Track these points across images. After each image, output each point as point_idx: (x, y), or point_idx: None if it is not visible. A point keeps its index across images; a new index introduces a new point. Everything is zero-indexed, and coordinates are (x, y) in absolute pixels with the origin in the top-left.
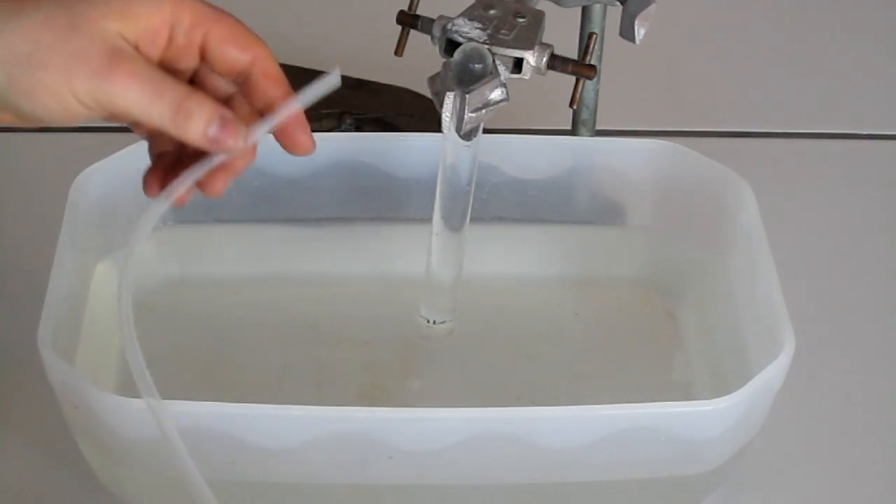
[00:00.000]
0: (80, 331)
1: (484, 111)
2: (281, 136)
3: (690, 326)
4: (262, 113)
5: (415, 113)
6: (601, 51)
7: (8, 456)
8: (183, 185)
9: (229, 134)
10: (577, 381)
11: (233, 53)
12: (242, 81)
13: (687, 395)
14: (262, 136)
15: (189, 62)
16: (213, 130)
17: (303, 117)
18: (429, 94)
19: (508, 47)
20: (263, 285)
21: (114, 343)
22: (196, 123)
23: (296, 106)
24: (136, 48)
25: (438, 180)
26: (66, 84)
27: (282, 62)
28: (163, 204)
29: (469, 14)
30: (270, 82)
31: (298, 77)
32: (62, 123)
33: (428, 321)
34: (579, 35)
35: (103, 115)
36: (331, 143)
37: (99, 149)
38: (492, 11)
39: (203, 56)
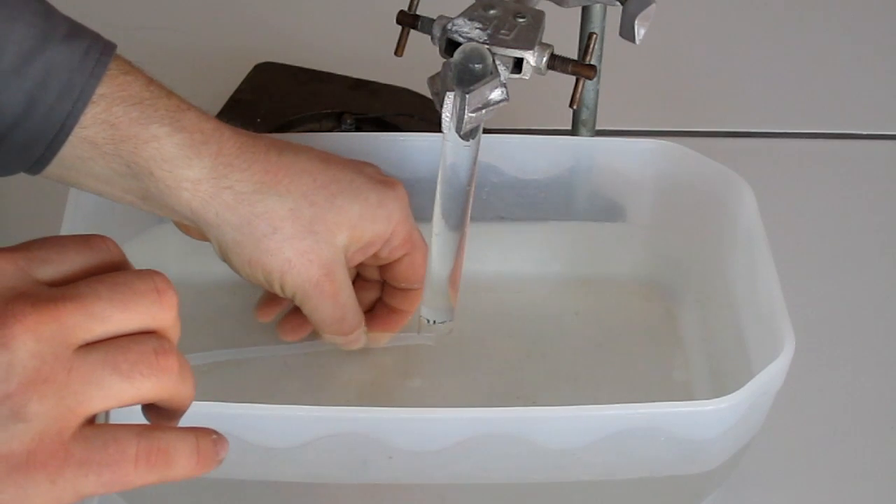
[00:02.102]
0: None
1: (484, 111)
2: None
3: (690, 326)
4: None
5: (415, 113)
6: (601, 51)
7: None
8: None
9: (349, 345)
10: (577, 381)
11: (407, 278)
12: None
13: (687, 395)
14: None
15: (371, 261)
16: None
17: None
18: (429, 94)
19: (508, 47)
20: None
21: None
22: (339, 340)
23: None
24: (350, 255)
25: (438, 180)
26: (280, 274)
27: (282, 62)
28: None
29: (469, 14)
30: (407, 307)
31: (298, 77)
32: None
33: (428, 321)
34: (579, 35)
35: (283, 296)
36: (331, 143)
37: None
38: (492, 11)
39: (386, 265)
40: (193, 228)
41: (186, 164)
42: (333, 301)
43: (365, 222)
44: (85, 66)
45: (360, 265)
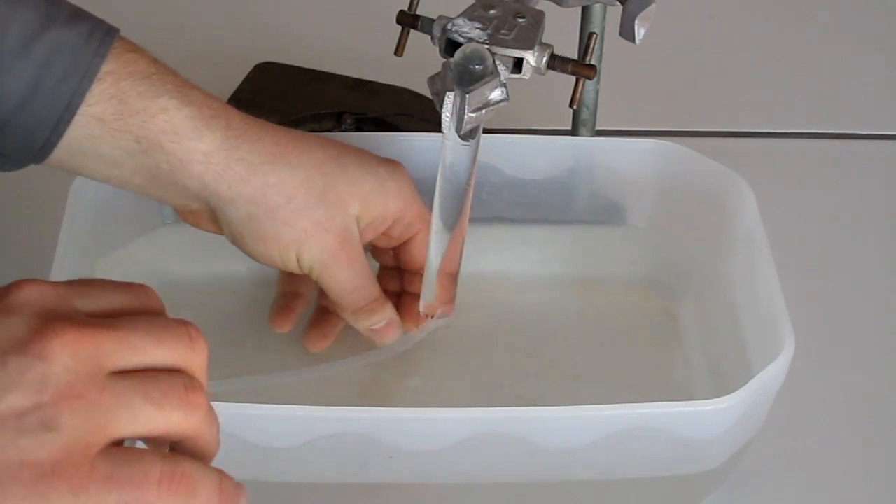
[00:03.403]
0: None
1: (484, 111)
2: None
3: (690, 326)
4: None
5: (415, 113)
6: (601, 51)
7: None
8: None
9: (386, 334)
10: (577, 381)
11: (417, 259)
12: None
13: (687, 395)
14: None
15: (384, 242)
16: (376, 326)
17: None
18: (429, 94)
19: (508, 47)
20: (263, 285)
21: None
22: (369, 322)
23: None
24: (362, 230)
25: (438, 180)
26: (297, 246)
27: (282, 62)
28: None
29: (469, 14)
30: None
31: (298, 77)
32: (266, 265)
33: (427, 317)
34: (579, 35)
35: (300, 273)
36: None
37: None
38: (492, 11)
39: (402, 249)
40: (201, 213)
41: (197, 135)
42: (351, 268)
43: (376, 195)
44: (90, 45)
45: (378, 253)
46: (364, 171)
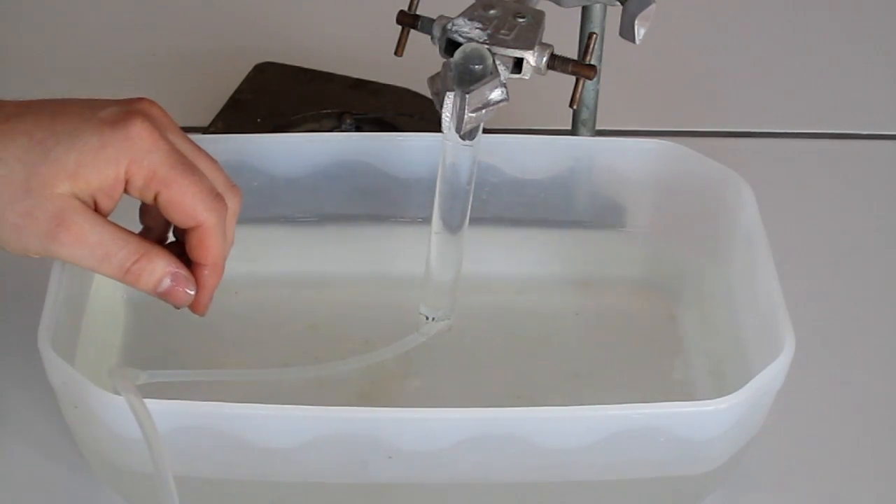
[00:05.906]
0: (80, 331)
1: (484, 111)
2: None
3: (690, 327)
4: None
5: (415, 113)
6: (601, 51)
7: (8, 456)
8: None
9: (177, 291)
10: (577, 381)
11: (174, 218)
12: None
13: (687, 395)
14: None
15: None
16: (162, 287)
17: (213, 287)
18: (429, 94)
19: (508, 47)
20: (263, 285)
21: (114, 343)
22: (145, 283)
23: None
24: (95, 203)
25: (438, 180)
26: (19, 241)
27: (282, 62)
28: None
29: (469, 14)
30: (202, 253)
31: (298, 77)
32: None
33: (427, 318)
34: (579, 35)
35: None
36: (331, 143)
37: None
38: (492, 11)
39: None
40: None
41: None
42: (81, 242)
43: (85, 168)
44: None
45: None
46: (69, 149)
